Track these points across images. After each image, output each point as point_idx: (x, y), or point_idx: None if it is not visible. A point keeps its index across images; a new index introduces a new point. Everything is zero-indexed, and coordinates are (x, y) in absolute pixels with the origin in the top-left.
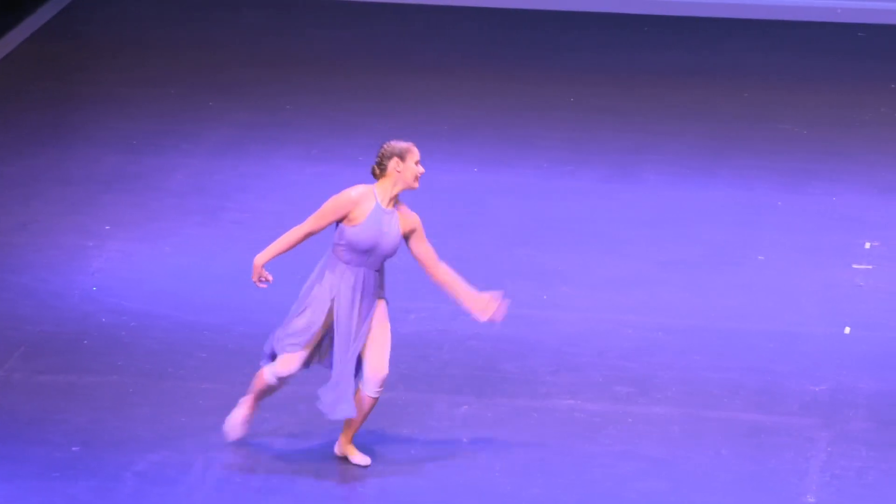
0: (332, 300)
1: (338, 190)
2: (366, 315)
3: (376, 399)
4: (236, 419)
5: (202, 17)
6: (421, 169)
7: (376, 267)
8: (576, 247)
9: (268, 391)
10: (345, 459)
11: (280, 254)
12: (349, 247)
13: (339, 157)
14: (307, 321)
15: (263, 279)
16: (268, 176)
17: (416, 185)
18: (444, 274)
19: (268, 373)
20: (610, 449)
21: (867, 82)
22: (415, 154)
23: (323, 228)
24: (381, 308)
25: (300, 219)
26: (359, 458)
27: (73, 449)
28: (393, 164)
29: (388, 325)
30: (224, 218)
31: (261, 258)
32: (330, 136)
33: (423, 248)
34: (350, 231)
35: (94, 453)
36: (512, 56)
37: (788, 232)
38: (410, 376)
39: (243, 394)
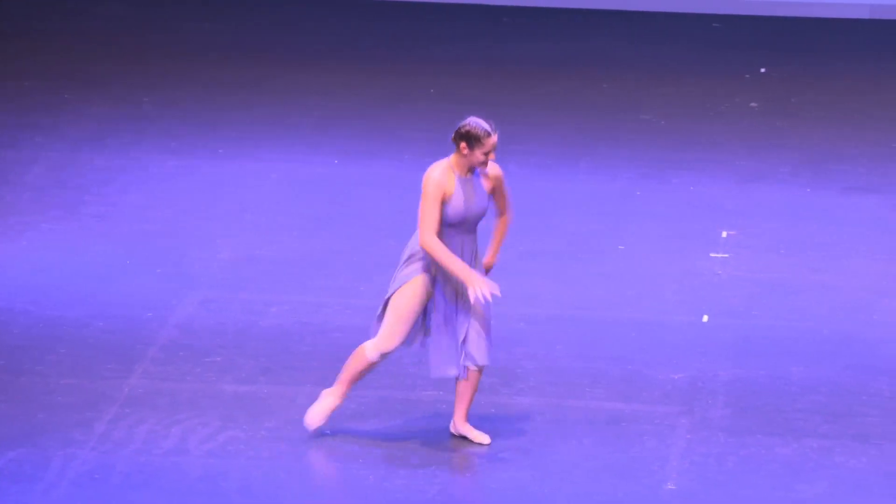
0: (433, 274)
1: (200, 184)
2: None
3: (479, 371)
4: (324, 409)
5: (59, 8)
6: (490, 158)
7: (472, 230)
8: None
9: (368, 369)
10: (463, 439)
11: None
12: (443, 222)
13: (200, 150)
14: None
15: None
16: (128, 169)
17: (484, 168)
18: (497, 229)
19: (370, 349)
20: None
21: (723, 72)
22: (485, 146)
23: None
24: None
25: (163, 212)
26: (477, 435)
27: None
28: (462, 145)
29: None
30: (84, 212)
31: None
32: (191, 129)
33: (496, 200)
34: (445, 209)
35: None
36: (375, 48)
37: (648, 221)
38: (272, 369)
39: (104, 388)
